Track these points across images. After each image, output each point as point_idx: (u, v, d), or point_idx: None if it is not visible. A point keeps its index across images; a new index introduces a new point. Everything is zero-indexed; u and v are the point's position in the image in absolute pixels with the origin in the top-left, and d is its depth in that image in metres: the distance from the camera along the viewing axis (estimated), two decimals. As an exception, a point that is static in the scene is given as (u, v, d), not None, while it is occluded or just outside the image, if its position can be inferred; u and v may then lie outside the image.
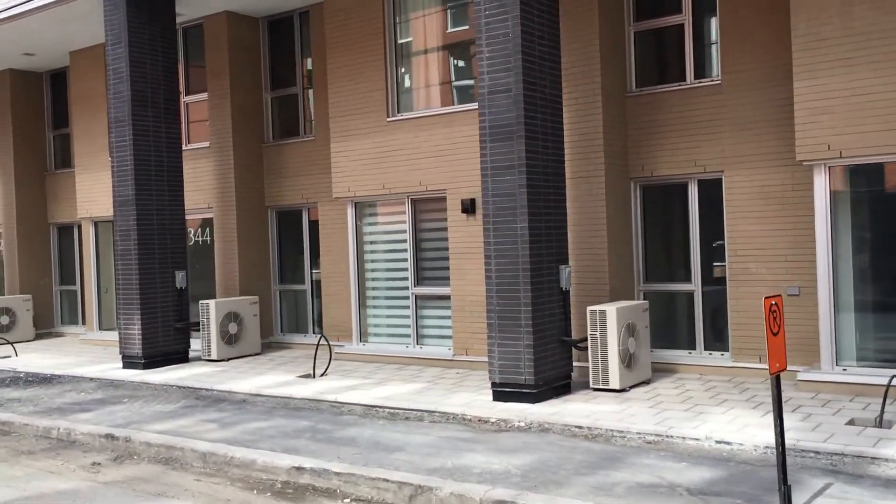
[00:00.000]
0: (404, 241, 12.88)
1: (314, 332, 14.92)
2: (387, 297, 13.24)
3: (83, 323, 18.71)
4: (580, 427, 8.24)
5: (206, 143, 15.23)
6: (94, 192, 17.01)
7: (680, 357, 10.86)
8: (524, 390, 9.27)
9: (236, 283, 14.86)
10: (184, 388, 11.64)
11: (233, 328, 13.91)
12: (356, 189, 13.14)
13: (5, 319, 17.84)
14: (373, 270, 13.43)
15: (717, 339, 10.76)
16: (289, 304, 15.39)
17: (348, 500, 6.80)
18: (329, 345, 12.20)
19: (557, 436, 8.07)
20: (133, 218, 13.21)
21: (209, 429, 9.04)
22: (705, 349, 10.80)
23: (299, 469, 7.35)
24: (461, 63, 12.67)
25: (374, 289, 13.44)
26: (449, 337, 12.44)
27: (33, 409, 10.70)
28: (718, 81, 10.49)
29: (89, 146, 17.07)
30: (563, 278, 9.67)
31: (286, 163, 14.94)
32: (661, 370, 10.69)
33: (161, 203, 13.61)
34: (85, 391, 11.84)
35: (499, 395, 9.46)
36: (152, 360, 13.31)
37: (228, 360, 13.81)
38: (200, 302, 13.84)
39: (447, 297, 12.42)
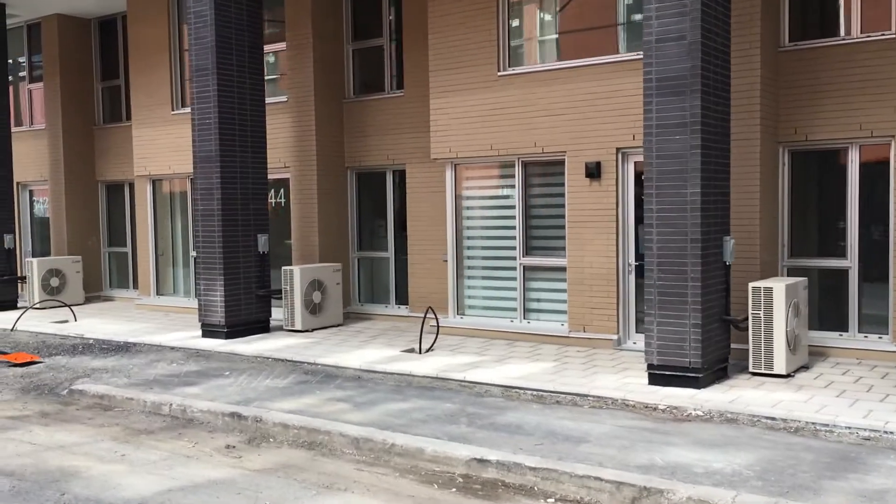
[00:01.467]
0: (511, 206, 11.92)
1: (396, 304, 14.01)
2: (488, 268, 12.31)
3: (135, 287, 17.76)
4: (773, 419, 7.36)
5: (283, 98, 14.19)
6: (152, 148, 15.98)
7: (830, 339, 9.98)
8: (688, 374, 8.38)
9: (315, 249, 13.91)
10: (282, 360, 10.74)
11: (317, 297, 12.98)
12: (458, 149, 12.15)
13: (55, 281, 16.88)
14: (471, 238, 12.48)
15: (874, 321, 9.87)
16: (367, 273, 14.47)
17: (553, 501, 5.92)
18: (436, 318, 11.27)
19: (754, 428, 7.19)
20: (217, 176, 12.22)
21: (342, 409, 8.15)
22: (859, 331, 9.91)
23: (481, 461, 6.47)
24: (583, 12, 11.62)
25: (471, 258, 12.49)
26: (562, 312, 11.53)
27: (128, 380, 9.80)
28: (893, 35, 9.50)
29: (148, 99, 15.99)
30: (727, 251, 8.74)
31: (370, 120, 13.92)
32: (812, 353, 9.80)
33: (244, 161, 12.61)
34: (175, 361, 10.92)
35: (656, 379, 8.57)
36: (234, 329, 12.40)
37: (312, 330, 12.91)
38: (284, 268, 12.89)
39: (561, 269, 11.50)
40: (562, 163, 11.40)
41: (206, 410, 8.24)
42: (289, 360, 10.70)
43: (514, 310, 11.95)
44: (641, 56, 10.23)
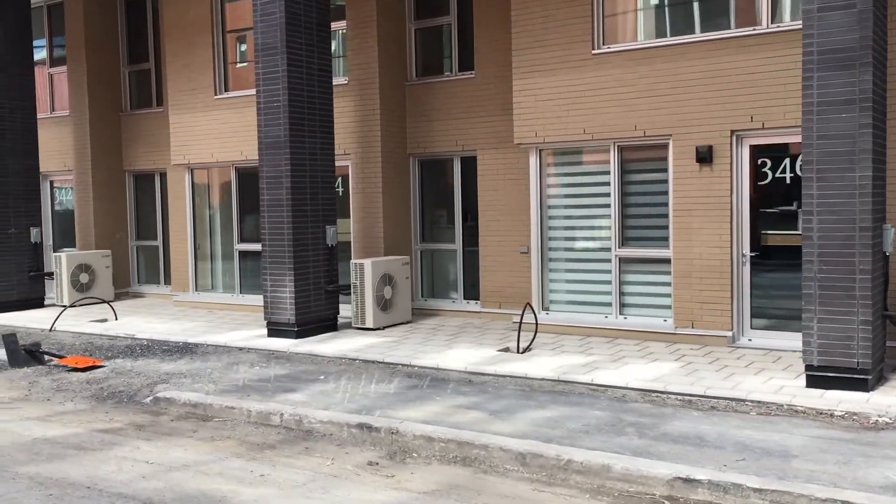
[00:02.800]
0: (606, 194, 11.14)
1: (464, 299, 13.19)
2: (576, 260, 11.52)
3: (166, 283, 16.79)
4: (976, 424, 6.65)
5: (344, 80, 13.29)
6: (192, 135, 15.00)
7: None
8: (855, 376, 7.65)
9: (380, 241, 13.04)
10: (372, 362, 9.88)
11: (387, 292, 12.13)
12: (545, 134, 11.33)
13: (84, 278, 15.86)
14: (557, 229, 11.68)
15: None
16: (430, 266, 13.64)
17: (791, 527, 5.16)
18: (535, 315, 10.45)
19: (963, 436, 6.48)
20: (286, 162, 11.31)
21: (479, 418, 7.33)
22: None
23: (688, 481, 5.68)
24: (685, -13, 10.84)
25: (556, 250, 11.70)
26: (664, 306, 10.77)
27: (214, 386, 8.91)
28: None
29: (188, 83, 15.00)
30: (887, 240, 8.01)
31: (436, 104, 13.06)
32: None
33: (313, 146, 11.71)
34: (257, 364, 10.03)
35: (816, 381, 7.83)
36: (305, 327, 11.51)
37: (384, 328, 12.06)
38: (354, 262, 12.02)
39: (663, 261, 10.74)
40: (664, 146, 10.62)
41: (327, 421, 7.39)
42: (380, 362, 9.85)
43: (608, 305, 11.17)
44: (756, 31, 9.55)
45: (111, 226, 17.02)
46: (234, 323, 13.08)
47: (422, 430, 6.93)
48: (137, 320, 13.68)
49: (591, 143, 11.09)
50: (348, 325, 12.21)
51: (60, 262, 15.58)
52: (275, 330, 11.56)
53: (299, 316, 11.42)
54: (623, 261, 11.07)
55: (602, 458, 6.10)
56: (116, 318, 13.84)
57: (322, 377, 9.20)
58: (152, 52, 16.70)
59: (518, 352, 10.05)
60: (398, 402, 7.97)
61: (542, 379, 8.76)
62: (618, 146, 10.95)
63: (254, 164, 14.29)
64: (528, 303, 10.38)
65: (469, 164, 13.01)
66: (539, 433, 6.80)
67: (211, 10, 14.70)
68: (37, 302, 15.72)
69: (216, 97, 14.69)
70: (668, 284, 10.68)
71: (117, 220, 17.13)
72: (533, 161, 11.64)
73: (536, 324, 10.43)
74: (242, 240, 14.83)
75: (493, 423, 7.16)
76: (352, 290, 11.99)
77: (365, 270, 11.85)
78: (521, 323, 10.22)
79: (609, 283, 11.15)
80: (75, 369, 10.21)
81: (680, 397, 7.89)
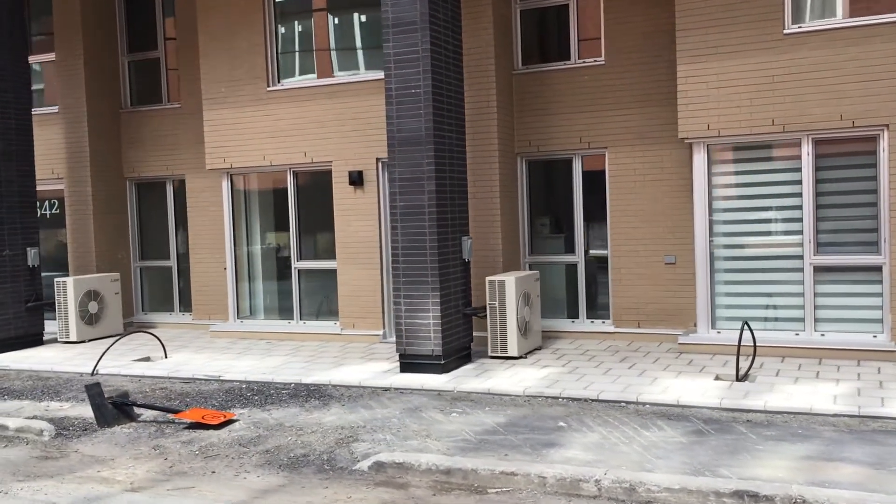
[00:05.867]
0: (796, 195, 9.79)
1: (587, 318, 11.54)
2: (753, 270, 10.10)
3: (182, 310, 14.28)
4: None
5: (445, 68, 11.40)
6: (236, 134, 12.68)
7: None
8: None
9: (498, 254, 11.24)
10: (581, 399, 8.13)
11: (526, 313, 10.36)
12: (720, 126, 9.88)
13: (94, 307, 13.17)
14: (726, 235, 10.23)
15: None
16: (543, 281, 11.89)
17: None
18: (753, 336, 8.92)
19: None
20: (429, 161, 9.37)
21: (868, 475, 5.74)
22: None
23: None
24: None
25: (725, 259, 10.25)
26: (873, 321, 9.51)
27: (438, 444, 6.91)
28: None
29: (230, 72, 12.67)
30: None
31: (549, 95, 11.39)
32: None
33: (451, 142, 9.81)
34: (443, 410, 8.02)
35: None
36: (449, 359, 9.58)
37: (525, 355, 10.28)
38: (490, 279, 10.16)
39: (871, 269, 9.48)
40: (872, 139, 9.38)
41: (678, 489, 5.59)
42: (596, 400, 8.09)
43: (799, 320, 9.81)
44: None
45: (112, 245, 14.35)
46: (322, 356, 10.93)
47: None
48: (193, 357, 11.27)
49: (780, 136, 9.72)
50: (484, 354, 10.32)
51: (66, 290, 12.84)
52: (411, 364, 9.55)
53: (445, 346, 9.47)
54: (818, 269, 9.73)
55: None
56: (166, 356, 11.36)
57: (561, 424, 7.35)
58: (161, 37, 14.20)
59: (737, 379, 8.52)
60: (718, 455, 6.27)
61: (835, 415, 7.25)
62: (812, 139, 9.62)
63: (320, 168, 12.23)
64: (744, 321, 8.85)
65: (591, 164, 11.41)
66: None
67: (262, -13, 12.47)
68: (35, 339, 12.91)
69: (269, 89, 12.45)
70: (879, 295, 9.42)
71: (118, 237, 14.46)
72: (699, 158, 10.16)
73: (755, 346, 8.91)
74: (302, 257, 12.62)
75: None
76: (488, 312, 10.13)
77: (507, 289, 10.02)
78: (739, 345, 8.67)
79: (800, 295, 9.79)
80: (201, 426, 7.91)
81: None
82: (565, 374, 9.11)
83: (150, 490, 6.30)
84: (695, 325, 10.59)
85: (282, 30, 12.55)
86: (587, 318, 11.55)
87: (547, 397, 8.29)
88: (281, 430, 7.69)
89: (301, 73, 12.50)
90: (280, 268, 12.93)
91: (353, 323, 12.04)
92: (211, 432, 7.75)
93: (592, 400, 8.09)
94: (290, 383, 9.51)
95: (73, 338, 12.82)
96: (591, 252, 11.52)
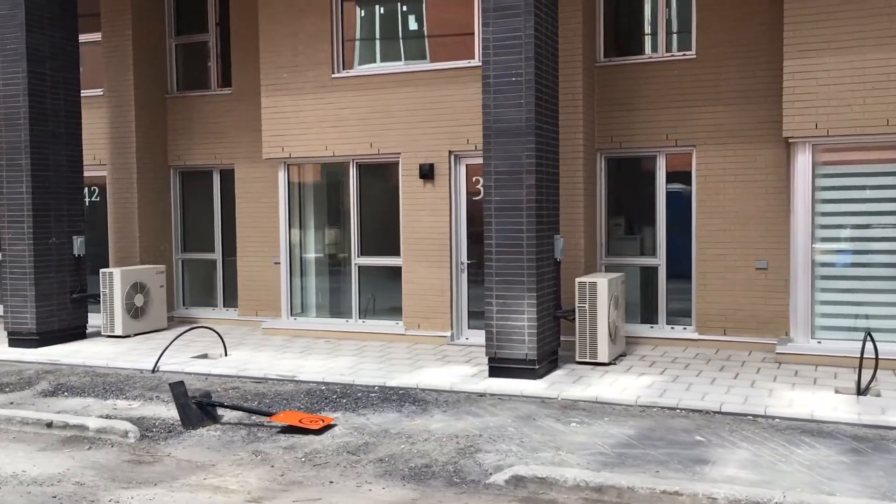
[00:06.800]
0: (909, 199, 9.32)
1: (667, 324, 11.04)
2: (863, 278, 9.60)
3: (226, 305, 13.69)
4: None
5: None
6: (297, 123, 12.09)
7: None
8: None
9: (580, 253, 10.72)
10: (702, 412, 7.60)
11: (615, 317, 9.84)
12: (829, 125, 9.36)
13: (139, 300, 12.55)
14: (833, 240, 9.73)
15: None
16: (621, 284, 11.38)
17: None
18: (875, 346, 8.41)
19: None
20: (529, 154, 8.83)
21: None
22: None
23: None
24: None
25: (830, 265, 9.75)
26: None
27: (573, 457, 6.37)
28: None
29: (292, 58, 12.07)
30: None
31: (634, 89, 10.88)
32: None
33: (548, 135, 9.28)
34: (560, 419, 7.47)
35: None
36: (542, 363, 9.03)
37: (615, 361, 9.76)
38: (579, 280, 9.63)
39: None
40: None
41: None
42: (714, 412, 7.56)
43: (912, 330, 9.33)
44: None
45: (155, 235, 13.73)
46: (393, 357, 10.38)
47: None
48: (254, 355, 10.69)
49: (894, 138, 9.24)
50: (571, 359, 9.79)
51: (112, 281, 12.21)
52: (501, 368, 9.00)
53: (539, 350, 8.93)
54: (930, 278, 9.26)
55: None
56: (226, 353, 10.77)
57: (698, 438, 6.82)
58: (213, 20, 13.60)
59: (858, 393, 8.02)
60: (890, 477, 5.77)
61: None
62: (930, 141, 9.16)
63: (386, 160, 11.68)
64: (867, 331, 8.35)
65: (678, 162, 10.91)
66: None
67: (331, -32, 11.90)
68: (78, 332, 12.27)
69: (334, 76, 11.88)
70: None
71: (161, 227, 13.84)
72: (803, 158, 9.67)
73: (877, 358, 8.39)
74: (363, 252, 12.05)
75: None
76: (577, 314, 9.60)
77: (598, 291, 9.50)
78: (861, 354, 8.16)
79: (912, 304, 9.32)
80: (297, 430, 7.34)
81: None
82: (669, 383, 8.58)
83: (273, 501, 5.74)
84: (786, 334, 10.11)
85: (350, 14, 11.98)
86: (667, 324, 11.03)
87: (662, 408, 7.77)
88: (387, 436, 7.13)
89: (369, 61, 11.95)
90: (337, 263, 12.36)
91: (417, 323, 11.49)
92: (311, 438, 7.19)
93: (715, 412, 7.57)
94: (374, 386, 8.94)
95: (118, 332, 12.21)
96: (673, 255, 11.00)
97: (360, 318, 12.04)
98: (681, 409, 7.69)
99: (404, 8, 11.81)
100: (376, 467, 6.40)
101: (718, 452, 6.42)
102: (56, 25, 11.76)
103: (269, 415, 7.61)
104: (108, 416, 7.93)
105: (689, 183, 10.81)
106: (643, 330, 11.07)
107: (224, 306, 13.79)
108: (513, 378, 8.87)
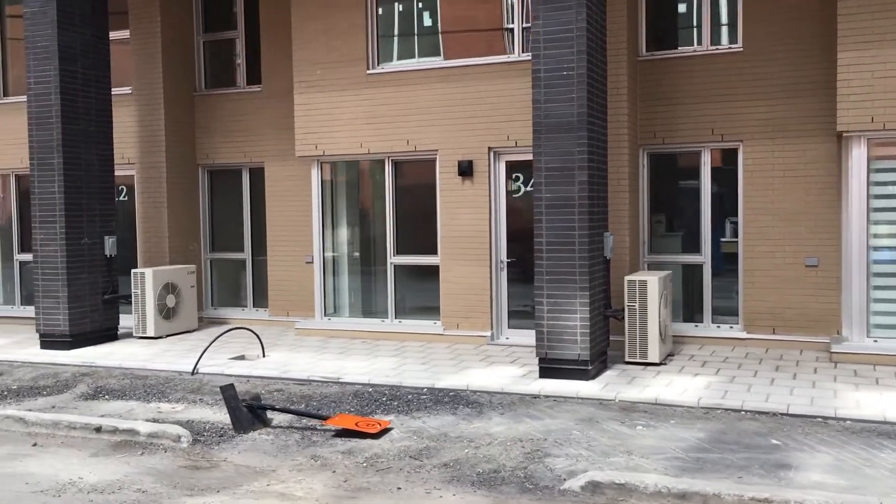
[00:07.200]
0: (967, 194, 9.10)
1: (714, 322, 10.81)
2: (915, 275, 9.40)
3: (256, 305, 13.49)
4: None
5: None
6: (331, 120, 11.89)
7: None
8: None
9: (625, 251, 10.53)
10: (781, 414, 7.35)
11: (665, 316, 9.63)
12: (886, 119, 9.14)
13: (171, 300, 12.36)
14: (881, 237, 9.52)
15: None
16: (665, 283, 11.15)
17: None
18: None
19: None
20: (581, 150, 8.62)
21: None
22: None
23: None
24: None
25: (885, 262, 9.53)
26: None
27: (647, 461, 6.16)
28: None
29: (326, 54, 11.87)
30: None
31: (675, 83, 10.66)
32: None
33: (598, 130, 9.07)
34: (615, 421, 7.26)
35: None
36: (593, 364, 8.82)
37: (665, 361, 9.55)
38: (629, 278, 9.42)
39: None
40: None
41: None
42: (782, 414, 7.33)
43: (967, 330, 9.11)
44: None
45: (184, 235, 13.55)
46: (434, 358, 10.18)
47: None
48: (293, 356, 10.49)
49: (954, 130, 9.02)
50: (621, 360, 9.57)
51: (144, 281, 12.03)
52: (552, 368, 8.78)
53: (592, 350, 8.72)
54: None
55: None
56: (264, 354, 10.58)
57: (775, 441, 6.60)
58: (242, 16, 13.40)
59: (926, 393, 7.80)
60: None
61: None
62: None
63: (423, 157, 11.49)
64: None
65: (722, 158, 10.69)
66: None
67: (367, -38, 11.69)
68: (110, 333, 12.08)
69: (370, 72, 11.67)
70: None
71: (190, 227, 13.65)
72: (858, 153, 9.45)
73: (944, 357, 8.20)
74: (399, 251, 11.84)
75: None
76: (626, 314, 9.39)
77: (648, 290, 9.28)
78: (929, 356, 7.95)
79: (970, 302, 9.10)
80: (353, 433, 7.14)
81: None
82: (727, 384, 8.36)
83: (345, 510, 5.54)
84: (838, 333, 9.88)
85: (385, 9, 11.78)
86: (713, 322, 10.81)
87: (727, 409, 7.55)
88: (448, 440, 6.93)
89: (405, 56, 11.75)
90: (371, 263, 12.15)
91: (456, 323, 11.28)
92: (369, 442, 6.98)
93: (783, 414, 7.34)
94: (423, 387, 8.74)
95: (150, 333, 12.02)
96: (717, 252, 10.79)
97: (395, 318, 11.83)
98: (746, 412, 7.47)
99: (439, 3, 11.59)
100: (442, 473, 6.20)
101: (798, 457, 6.20)
102: (87, 23, 11.58)
103: (325, 418, 7.41)
104: (154, 420, 7.74)
105: (734, 179, 10.58)
106: (687, 329, 10.85)
107: (253, 306, 13.60)
108: (564, 379, 8.66)
